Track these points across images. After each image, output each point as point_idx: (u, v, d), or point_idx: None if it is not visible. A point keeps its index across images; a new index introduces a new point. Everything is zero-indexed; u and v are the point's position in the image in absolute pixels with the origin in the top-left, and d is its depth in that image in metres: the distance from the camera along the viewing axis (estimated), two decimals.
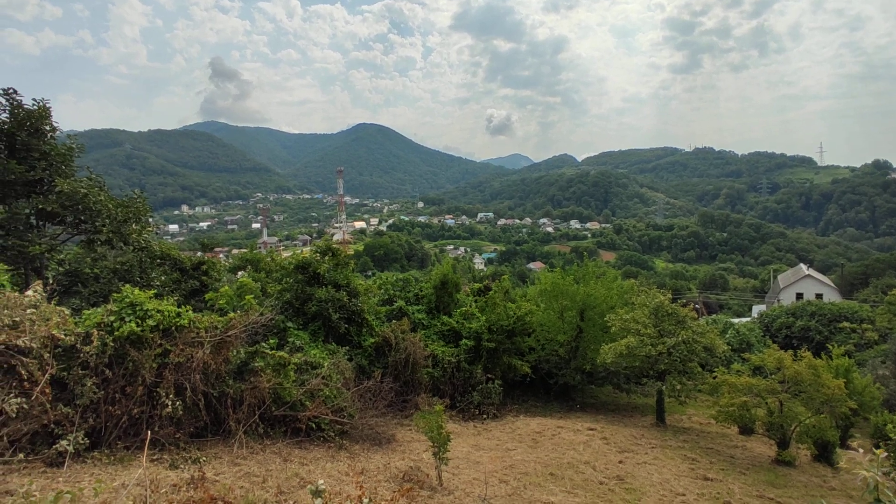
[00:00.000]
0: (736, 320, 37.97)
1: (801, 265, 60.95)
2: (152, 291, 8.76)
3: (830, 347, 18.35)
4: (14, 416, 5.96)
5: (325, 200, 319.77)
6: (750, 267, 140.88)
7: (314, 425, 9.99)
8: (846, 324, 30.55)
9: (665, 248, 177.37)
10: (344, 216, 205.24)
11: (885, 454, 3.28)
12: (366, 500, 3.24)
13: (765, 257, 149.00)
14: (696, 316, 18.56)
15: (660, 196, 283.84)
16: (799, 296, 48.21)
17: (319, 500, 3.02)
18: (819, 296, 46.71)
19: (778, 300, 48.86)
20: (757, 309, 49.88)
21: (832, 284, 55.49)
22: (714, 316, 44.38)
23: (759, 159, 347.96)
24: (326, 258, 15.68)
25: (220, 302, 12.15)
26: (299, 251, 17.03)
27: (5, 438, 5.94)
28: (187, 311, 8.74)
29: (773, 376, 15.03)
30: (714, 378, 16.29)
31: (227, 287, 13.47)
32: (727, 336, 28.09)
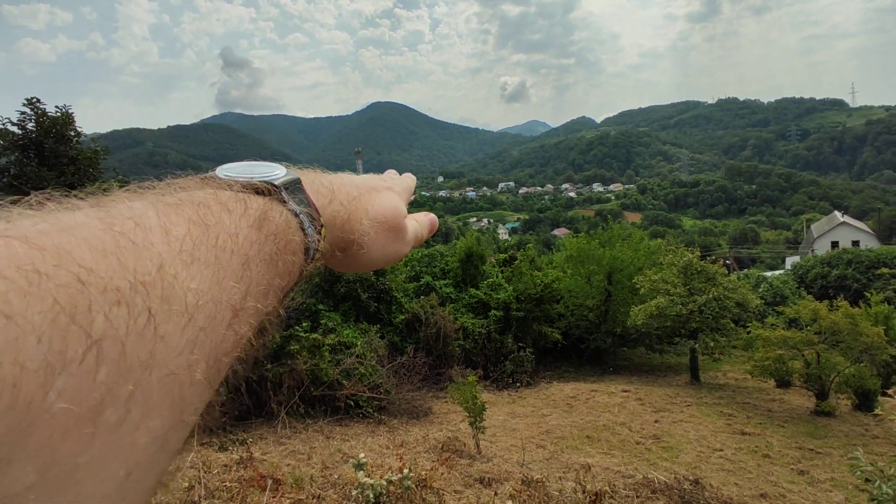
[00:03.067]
0: (769, 273, 37.28)
1: (836, 212, 59.12)
2: None
3: (868, 295, 17.94)
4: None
5: None
6: (782, 218, 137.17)
7: (352, 403, 10.30)
8: (885, 270, 29.67)
9: (692, 204, 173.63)
10: None
11: None
12: (406, 470, 3.39)
13: (797, 207, 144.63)
14: (727, 272, 18.32)
15: (684, 152, 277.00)
16: (834, 244, 46.92)
17: (362, 472, 3.17)
18: (855, 243, 45.41)
19: (812, 250, 47.67)
20: (790, 261, 48.78)
21: (869, 230, 53.82)
22: (746, 271, 43.62)
23: (786, 105, 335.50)
24: None
25: None
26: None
27: None
28: None
29: (808, 328, 14.80)
30: (748, 333, 16.13)
31: None
32: (760, 290, 27.63)
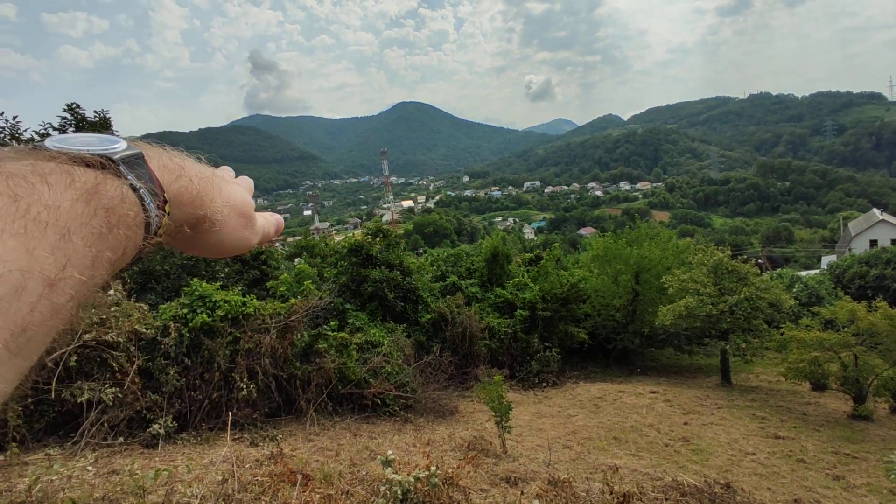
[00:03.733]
0: (803, 273, 36.23)
1: (875, 210, 57.02)
2: (218, 283, 9.28)
3: None
4: (111, 404, 6.56)
5: (371, 182, 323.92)
6: (817, 216, 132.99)
7: (379, 401, 10.39)
8: None
9: (722, 202, 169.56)
10: (391, 196, 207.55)
11: None
12: (433, 468, 3.42)
13: (833, 205, 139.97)
14: (759, 271, 17.87)
15: (713, 149, 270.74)
16: (873, 243, 45.26)
17: (390, 468, 3.22)
18: (895, 242, 43.76)
19: (849, 249, 46.12)
20: (826, 260, 47.27)
21: None
22: (779, 270, 42.47)
23: (821, 100, 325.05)
24: (378, 239, 16.02)
25: (281, 289, 12.69)
26: (351, 234, 17.47)
27: (106, 424, 6.55)
28: (251, 299, 9.23)
29: (845, 329, 14.36)
30: (781, 334, 15.72)
31: (286, 274, 14.04)
32: (794, 290, 26.89)
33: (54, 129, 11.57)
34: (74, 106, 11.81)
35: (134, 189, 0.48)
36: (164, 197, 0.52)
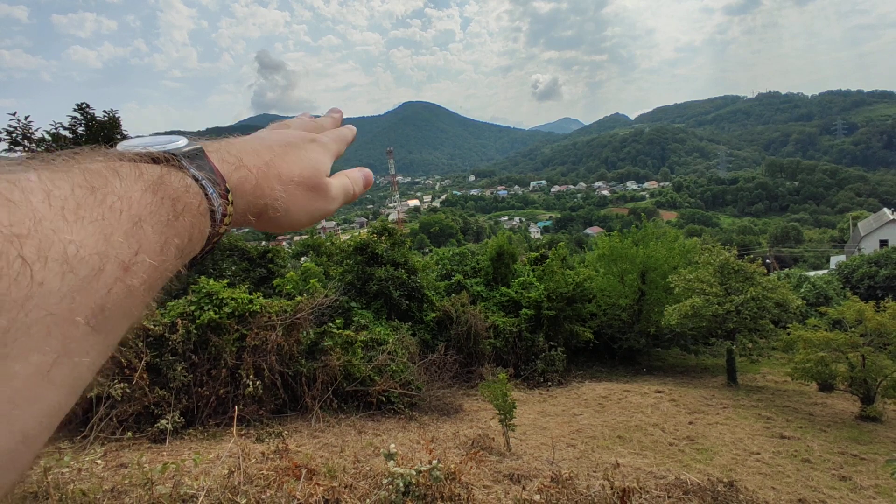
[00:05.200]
0: (812, 273, 36.01)
1: (885, 210, 56.48)
2: (225, 281, 9.37)
3: None
4: (120, 399, 6.66)
5: (378, 182, 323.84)
6: (826, 216, 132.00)
7: (384, 399, 10.45)
8: None
9: (730, 202, 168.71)
10: (397, 196, 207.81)
11: None
12: (436, 462, 3.47)
13: (843, 204, 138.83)
14: (766, 271, 17.79)
15: (721, 148, 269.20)
16: (883, 243, 44.84)
17: (392, 461, 3.26)
18: None
19: (859, 249, 45.75)
20: (835, 260, 46.90)
21: None
22: (787, 270, 42.22)
23: (832, 99, 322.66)
24: (383, 238, 16.09)
25: (287, 287, 12.79)
26: (357, 233, 17.56)
27: (115, 419, 6.65)
28: (258, 297, 9.32)
29: (853, 329, 14.27)
30: (788, 334, 15.64)
31: (292, 272, 14.13)
32: (802, 290, 26.75)
33: (64, 128, 11.72)
34: (84, 106, 11.96)
35: (196, 180, 0.51)
36: (225, 186, 0.55)
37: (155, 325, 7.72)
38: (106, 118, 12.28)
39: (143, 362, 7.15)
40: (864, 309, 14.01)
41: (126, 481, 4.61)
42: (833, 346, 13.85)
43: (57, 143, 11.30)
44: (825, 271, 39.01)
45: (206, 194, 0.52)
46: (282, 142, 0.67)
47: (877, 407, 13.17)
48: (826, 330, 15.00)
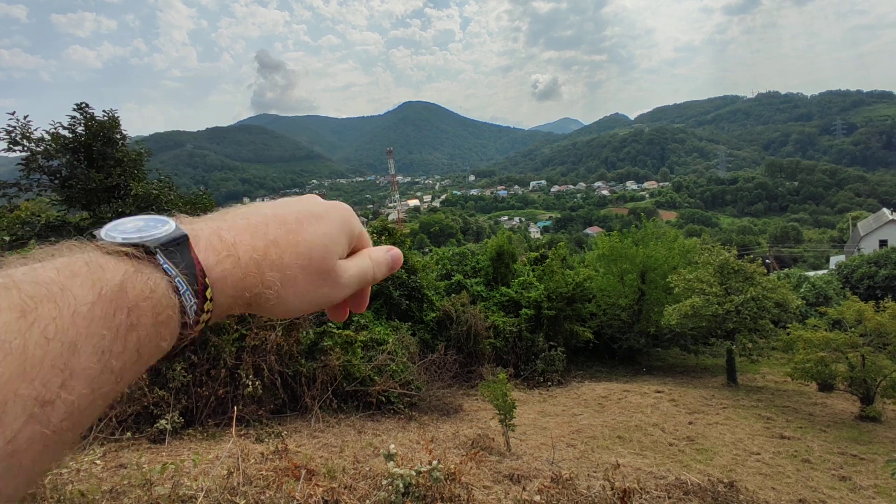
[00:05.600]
0: (811, 273, 36.01)
1: (885, 210, 56.52)
2: None
3: None
4: (119, 399, 6.65)
5: (377, 182, 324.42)
6: (826, 216, 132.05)
7: (384, 399, 10.44)
8: None
9: (730, 202, 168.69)
10: (397, 196, 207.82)
11: None
12: (435, 462, 3.46)
13: (842, 204, 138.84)
14: (766, 271, 17.79)
15: (721, 148, 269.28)
16: (882, 243, 44.86)
17: (392, 462, 3.25)
18: None
19: (858, 249, 45.77)
20: (835, 260, 46.92)
21: None
22: (787, 270, 42.22)
23: (831, 99, 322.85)
24: (383, 238, 16.08)
25: None
26: None
27: (114, 419, 6.64)
28: None
29: (853, 329, 14.27)
30: (788, 334, 15.64)
31: None
32: (801, 290, 26.75)
33: (64, 128, 11.69)
34: (84, 105, 11.93)
35: (168, 276, 0.47)
36: (204, 282, 0.49)
37: None
38: (105, 118, 12.24)
39: None
40: (863, 309, 14.00)
41: (125, 482, 4.60)
42: (833, 346, 13.85)
43: (56, 142, 11.27)
44: (825, 271, 39.03)
45: (178, 292, 0.47)
46: (301, 212, 0.61)
47: (876, 407, 13.17)
48: (826, 330, 15.00)
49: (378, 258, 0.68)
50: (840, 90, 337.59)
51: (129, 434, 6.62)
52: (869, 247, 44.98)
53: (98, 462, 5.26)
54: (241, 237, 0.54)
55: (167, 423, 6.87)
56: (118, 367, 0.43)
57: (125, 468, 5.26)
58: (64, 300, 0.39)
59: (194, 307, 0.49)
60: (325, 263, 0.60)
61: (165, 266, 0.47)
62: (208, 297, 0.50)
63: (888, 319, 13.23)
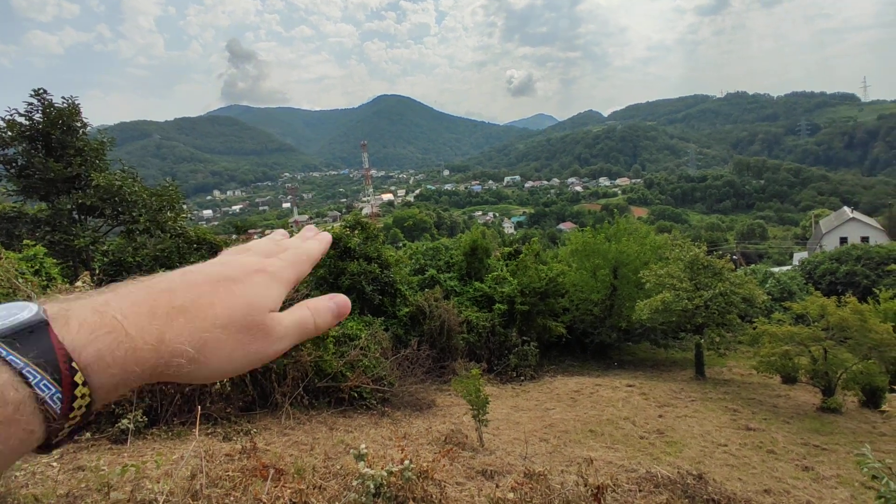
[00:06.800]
0: (776, 269, 37.02)
1: (845, 208, 58.59)
2: None
3: (878, 292, 17.76)
4: None
5: (351, 175, 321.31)
6: (790, 214, 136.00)
7: (356, 395, 10.32)
8: (895, 266, 29.39)
9: (699, 199, 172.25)
10: (371, 190, 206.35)
11: None
12: (407, 462, 3.38)
13: (806, 203, 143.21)
14: (734, 267, 18.19)
15: (691, 146, 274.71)
16: (843, 240, 46.48)
17: (362, 462, 3.16)
18: (865, 239, 44.96)
19: (820, 246, 47.28)
20: (798, 256, 48.43)
21: (879, 226, 53.26)
22: (753, 266, 43.35)
23: (796, 100, 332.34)
24: (356, 232, 15.89)
25: None
26: (330, 227, 17.31)
27: None
28: None
29: (816, 324, 14.69)
30: (754, 328, 16.03)
31: None
32: (767, 286, 27.48)
33: (20, 114, 11.19)
34: (41, 91, 11.43)
35: (15, 370, 0.43)
36: (70, 366, 0.45)
37: None
38: (65, 105, 11.76)
39: None
40: (826, 304, 14.43)
41: (82, 485, 4.41)
42: (796, 340, 14.24)
43: (12, 130, 10.78)
44: (789, 267, 40.20)
45: (29, 384, 0.43)
46: (215, 277, 0.57)
47: (837, 399, 13.60)
48: (790, 324, 15.42)
49: (318, 306, 0.63)
50: (805, 91, 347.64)
51: (87, 434, 6.36)
52: (831, 244, 46.52)
53: (54, 464, 5.05)
54: (134, 309, 0.51)
55: (129, 423, 6.62)
56: None
57: (83, 471, 5.04)
58: None
59: (57, 395, 0.45)
60: (252, 319, 0.56)
61: (9, 358, 0.43)
62: (78, 381, 0.46)
63: (849, 314, 13.64)
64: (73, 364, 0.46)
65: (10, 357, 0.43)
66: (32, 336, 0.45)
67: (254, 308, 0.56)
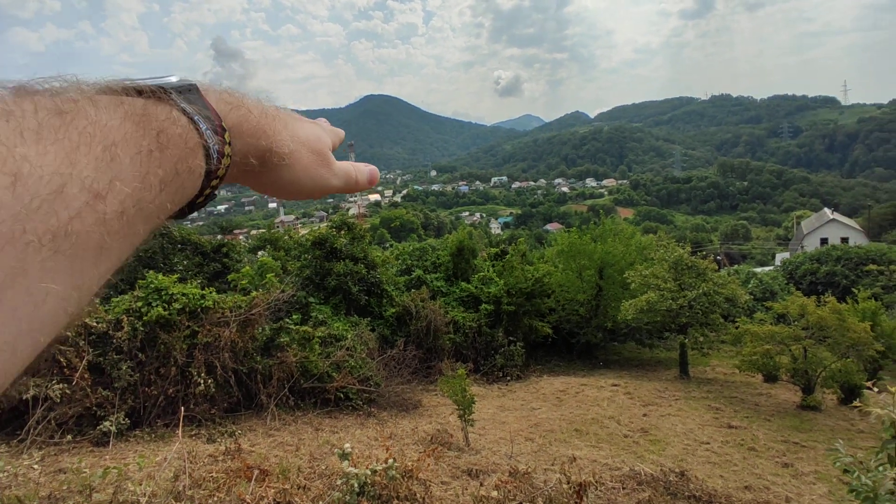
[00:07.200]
0: (759, 269, 37.55)
1: (826, 209, 59.57)
2: (176, 276, 9.00)
3: (856, 291, 18.10)
4: (59, 400, 6.30)
5: None
6: (772, 215, 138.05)
7: (342, 395, 10.30)
8: (873, 266, 29.94)
9: (684, 200, 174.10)
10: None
11: None
12: (391, 460, 3.40)
13: (788, 204, 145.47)
14: (717, 268, 18.43)
15: (676, 148, 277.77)
16: (823, 241, 47.25)
17: (347, 461, 3.18)
18: (844, 240, 45.78)
19: (802, 247, 48.05)
20: (780, 257, 49.15)
21: (858, 227, 54.26)
22: (736, 266, 43.92)
23: (779, 103, 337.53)
24: (342, 232, 15.85)
25: (243, 282, 12.41)
26: (316, 228, 17.25)
27: (53, 422, 6.29)
28: (211, 292, 9.00)
29: (796, 323, 14.93)
30: (737, 328, 16.25)
31: (248, 267, 13.73)
32: (749, 286, 27.85)
33: None
34: None
35: (186, 114, 0.47)
36: (221, 124, 0.51)
37: (98, 323, 7.33)
38: None
39: (84, 361, 6.78)
40: (806, 304, 14.66)
41: (64, 487, 4.38)
42: (777, 339, 14.45)
43: None
44: (771, 268, 40.78)
45: (198, 130, 0.48)
46: (286, 111, 0.65)
47: (816, 396, 13.84)
48: (771, 324, 15.65)
49: (358, 166, 0.75)
50: (787, 94, 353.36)
51: (69, 437, 6.30)
52: (811, 244, 47.29)
53: (36, 466, 5.00)
54: (252, 104, 0.57)
55: (111, 425, 6.57)
56: (160, 178, 0.43)
57: (65, 473, 5.00)
58: (95, 111, 0.39)
59: (216, 146, 0.50)
60: (322, 146, 0.66)
61: (183, 105, 0.48)
62: (226, 139, 0.51)
63: (828, 313, 13.89)
64: (223, 123, 0.52)
65: (183, 105, 0.47)
66: (191, 94, 0.50)
67: (321, 140, 0.67)
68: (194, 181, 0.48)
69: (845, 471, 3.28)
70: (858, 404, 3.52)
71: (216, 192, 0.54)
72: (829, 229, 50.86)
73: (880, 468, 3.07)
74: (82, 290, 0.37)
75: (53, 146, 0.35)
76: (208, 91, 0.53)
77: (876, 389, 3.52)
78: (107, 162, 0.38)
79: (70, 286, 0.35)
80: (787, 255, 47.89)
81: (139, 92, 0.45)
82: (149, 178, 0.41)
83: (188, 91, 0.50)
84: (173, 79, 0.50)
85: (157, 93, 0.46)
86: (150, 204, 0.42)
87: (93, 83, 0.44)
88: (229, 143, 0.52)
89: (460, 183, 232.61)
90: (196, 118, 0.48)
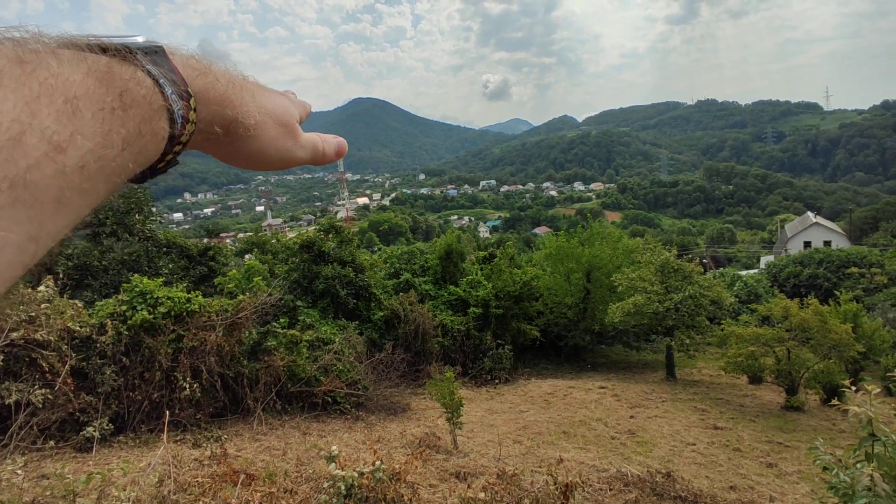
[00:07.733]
0: (744, 272, 38.02)
1: (809, 213, 60.49)
2: (161, 280, 8.92)
3: (838, 294, 18.40)
4: (41, 406, 6.21)
5: (326, 179, 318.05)
6: (757, 218, 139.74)
7: (330, 399, 10.26)
8: (854, 269, 30.49)
9: (671, 204, 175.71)
10: (346, 193, 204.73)
11: (878, 391, 3.40)
12: (378, 463, 3.40)
13: (772, 208, 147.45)
14: (703, 270, 18.63)
15: (663, 152, 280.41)
16: (807, 244, 47.97)
17: (333, 464, 3.17)
18: (827, 243, 46.50)
19: (785, 250, 48.74)
20: (765, 260, 49.79)
21: (840, 231, 55.17)
22: (722, 269, 44.41)
23: (763, 108, 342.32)
24: (330, 236, 15.80)
25: (229, 286, 12.33)
26: (304, 231, 17.18)
27: (35, 427, 6.20)
28: (197, 296, 8.92)
29: (780, 325, 15.14)
30: (722, 330, 16.44)
31: (235, 271, 13.66)
32: (735, 288, 28.18)
33: None
34: None
35: (151, 76, 0.46)
36: (186, 89, 0.50)
37: (81, 327, 7.24)
38: None
39: (66, 366, 6.69)
40: (789, 306, 14.87)
41: (47, 493, 4.32)
42: (762, 341, 14.64)
43: None
44: (755, 270, 41.32)
45: (163, 93, 0.47)
46: (263, 85, 0.65)
47: (800, 397, 14.04)
48: (756, 326, 15.85)
49: (326, 138, 0.74)
50: (771, 100, 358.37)
51: (52, 442, 6.21)
52: (795, 247, 47.98)
53: (19, 472, 4.94)
54: (220, 72, 0.56)
55: (95, 431, 6.49)
56: (122, 137, 0.42)
57: (48, 479, 4.93)
58: (57, 63, 0.38)
59: (181, 111, 0.49)
60: (289, 118, 0.65)
61: (148, 67, 0.46)
62: (192, 105, 0.50)
63: (811, 315, 14.10)
64: (189, 88, 0.50)
65: (149, 67, 0.46)
66: (157, 56, 0.48)
67: (289, 112, 0.65)
68: (157, 144, 0.48)
69: (825, 469, 3.35)
70: (837, 403, 3.59)
71: (177, 159, 0.53)
72: (812, 233, 51.64)
73: (857, 465, 3.14)
74: (39, 242, 0.37)
75: (13, 94, 0.34)
76: (175, 55, 0.52)
77: (854, 389, 3.59)
78: (68, 115, 0.37)
79: (26, 237, 0.36)
80: (771, 258, 48.55)
81: (103, 49, 0.45)
82: (111, 135, 0.41)
83: (154, 53, 0.49)
84: (139, 39, 0.50)
85: (122, 52, 0.46)
86: (112, 162, 0.42)
87: (55, 37, 0.43)
88: (194, 109, 0.51)
89: (449, 186, 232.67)
90: (161, 81, 0.47)
